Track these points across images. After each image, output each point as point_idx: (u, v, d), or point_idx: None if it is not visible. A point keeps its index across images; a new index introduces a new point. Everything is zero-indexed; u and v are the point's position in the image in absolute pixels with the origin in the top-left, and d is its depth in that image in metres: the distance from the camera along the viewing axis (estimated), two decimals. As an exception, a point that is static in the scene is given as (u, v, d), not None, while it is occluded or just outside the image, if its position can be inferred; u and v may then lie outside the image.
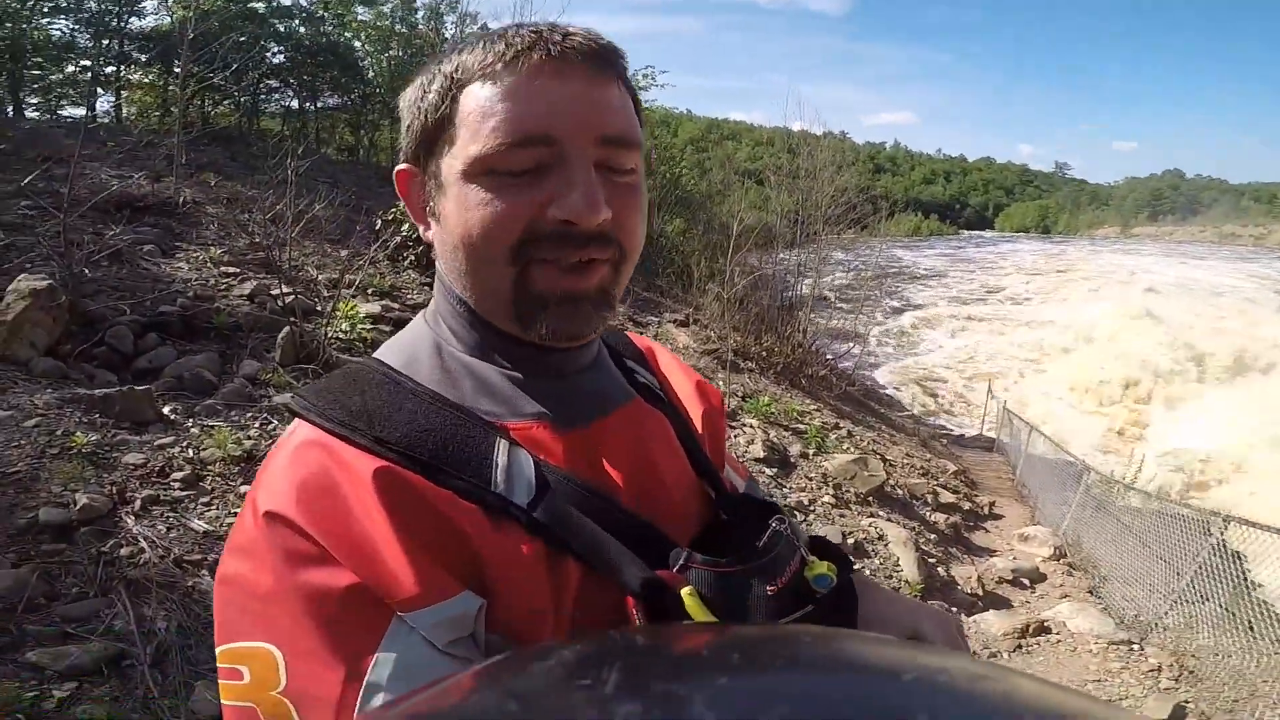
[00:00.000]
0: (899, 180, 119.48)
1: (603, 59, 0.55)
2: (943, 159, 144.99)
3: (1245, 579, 4.93)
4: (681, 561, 0.55)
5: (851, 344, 14.38)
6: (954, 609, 5.23)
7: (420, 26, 19.06)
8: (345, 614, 0.47)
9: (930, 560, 5.83)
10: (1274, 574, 4.87)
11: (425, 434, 0.52)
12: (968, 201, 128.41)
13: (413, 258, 8.20)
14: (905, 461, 8.69)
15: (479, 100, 0.53)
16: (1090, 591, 5.97)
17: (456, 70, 0.55)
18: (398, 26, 18.85)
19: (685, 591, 0.52)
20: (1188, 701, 4.09)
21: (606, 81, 0.55)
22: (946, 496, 7.78)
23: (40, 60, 12.74)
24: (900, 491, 7.25)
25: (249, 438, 3.82)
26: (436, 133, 0.56)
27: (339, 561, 0.47)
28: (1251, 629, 4.50)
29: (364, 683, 0.46)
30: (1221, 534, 5.14)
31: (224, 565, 0.51)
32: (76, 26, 13.65)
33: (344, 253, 6.88)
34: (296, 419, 0.55)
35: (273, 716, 0.47)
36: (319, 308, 5.83)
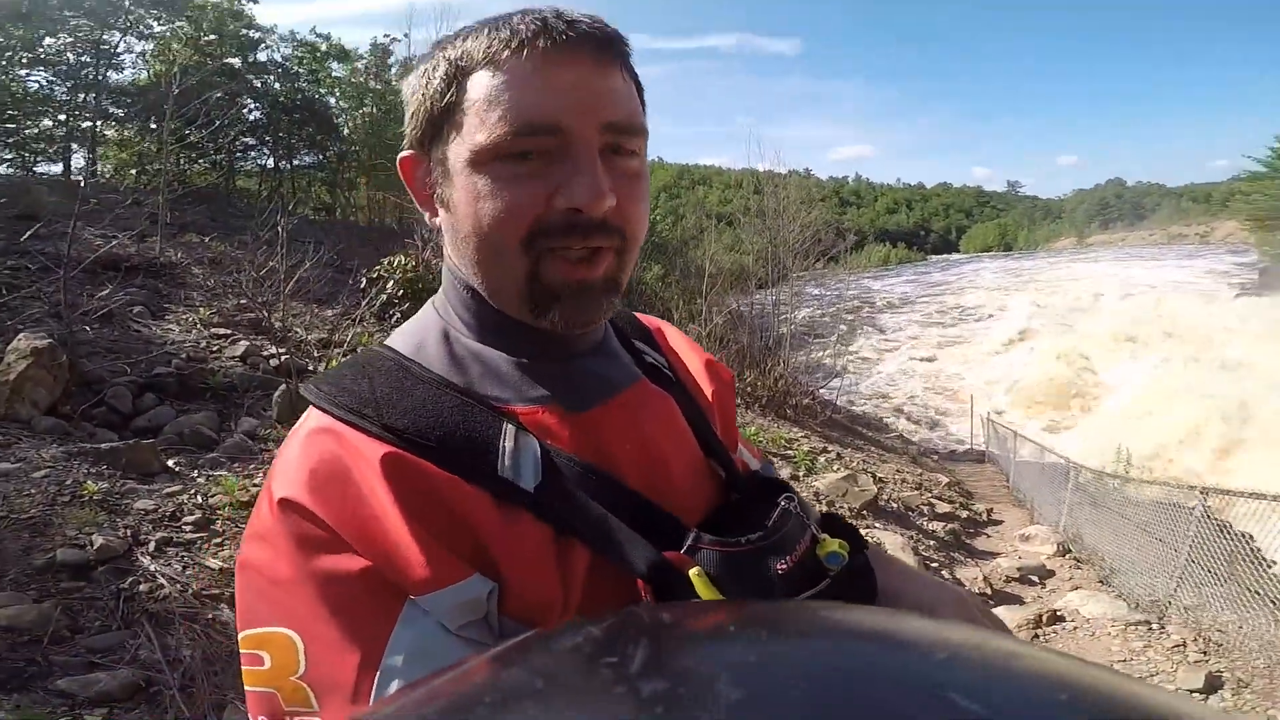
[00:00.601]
0: (864, 212, 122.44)
1: (606, 46, 0.55)
2: (903, 188, 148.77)
3: (1260, 558, 4.96)
4: (689, 542, 0.55)
5: (834, 376, 14.60)
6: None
7: (394, 83, 19.05)
8: (359, 598, 0.48)
9: (933, 565, 5.85)
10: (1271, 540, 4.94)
11: (432, 420, 0.53)
12: (931, 227, 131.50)
13: (399, 315, 8.34)
14: (896, 477, 8.76)
15: (484, 88, 0.53)
16: (1101, 582, 6.00)
17: (461, 57, 0.54)
18: (372, 83, 18.97)
19: (693, 573, 0.52)
20: (1220, 672, 4.08)
21: (610, 68, 0.55)
22: (942, 507, 7.84)
23: (15, 113, 12.41)
24: (894, 505, 7.32)
25: (255, 485, 3.83)
26: (442, 119, 0.56)
27: (351, 546, 0.48)
28: (1276, 605, 4.44)
29: (379, 668, 0.46)
30: (1204, 505, 5.26)
31: (243, 551, 0.52)
32: (54, 79, 13.46)
33: (330, 312, 6.96)
34: (310, 407, 0.56)
35: (292, 702, 0.47)
36: (310, 367, 5.90)
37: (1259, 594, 4.64)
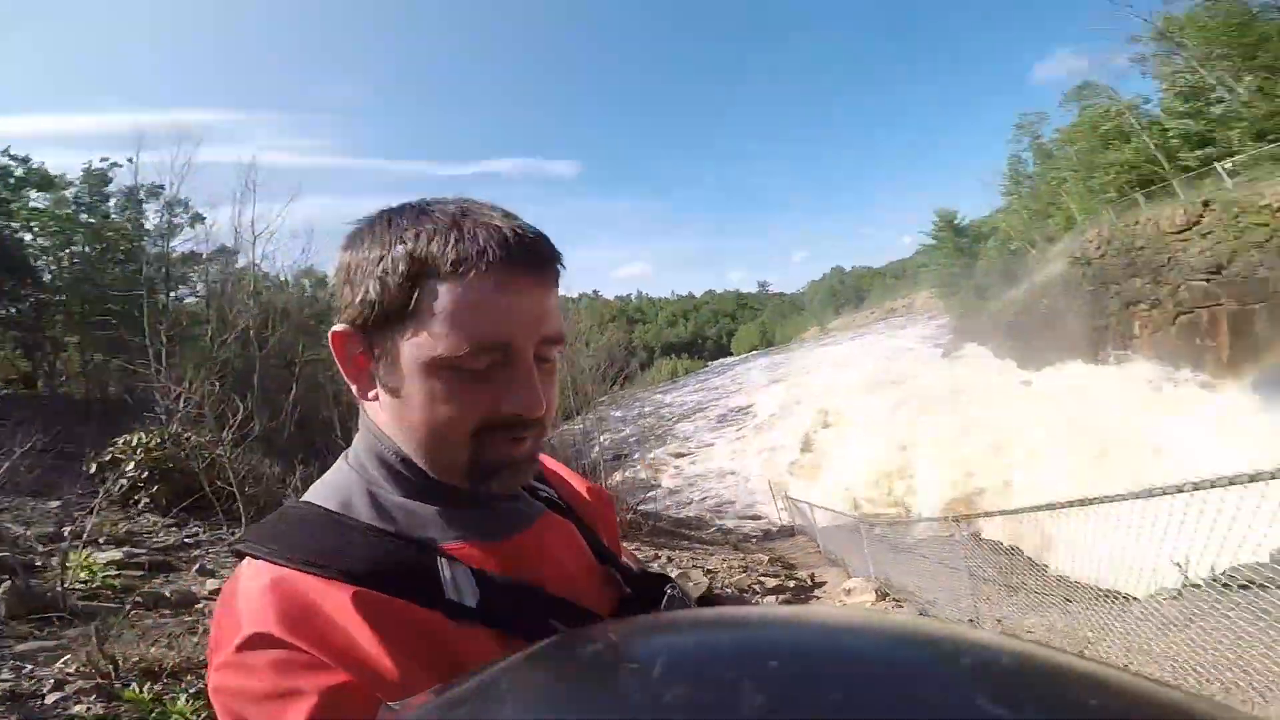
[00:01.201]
0: (649, 328, 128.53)
1: (549, 267, 0.62)
2: (676, 300, 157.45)
3: (1034, 565, 5.81)
4: None
5: (650, 489, 14.94)
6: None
7: (113, 216, 16.39)
8: (340, 706, 0.51)
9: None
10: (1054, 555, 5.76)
11: (380, 561, 0.59)
12: (706, 334, 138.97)
13: (148, 500, 7.08)
14: (724, 565, 9.06)
15: (445, 301, 0.58)
16: (921, 613, 6.49)
17: (426, 259, 0.58)
18: (84, 216, 15.93)
19: None
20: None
21: (550, 288, 0.63)
22: (771, 582, 8.16)
23: None
24: (729, 589, 7.50)
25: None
26: (397, 314, 0.60)
27: (330, 665, 0.52)
28: (1069, 601, 5.03)
29: None
30: (963, 533, 6.14)
31: (214, 679, 0.53)
32: None
33: (54, 504, 5.73)
34: (248, 560, 0.59)
35: None
36: (39, 563, 4.87)
37: (1041, 595, 5.36)
